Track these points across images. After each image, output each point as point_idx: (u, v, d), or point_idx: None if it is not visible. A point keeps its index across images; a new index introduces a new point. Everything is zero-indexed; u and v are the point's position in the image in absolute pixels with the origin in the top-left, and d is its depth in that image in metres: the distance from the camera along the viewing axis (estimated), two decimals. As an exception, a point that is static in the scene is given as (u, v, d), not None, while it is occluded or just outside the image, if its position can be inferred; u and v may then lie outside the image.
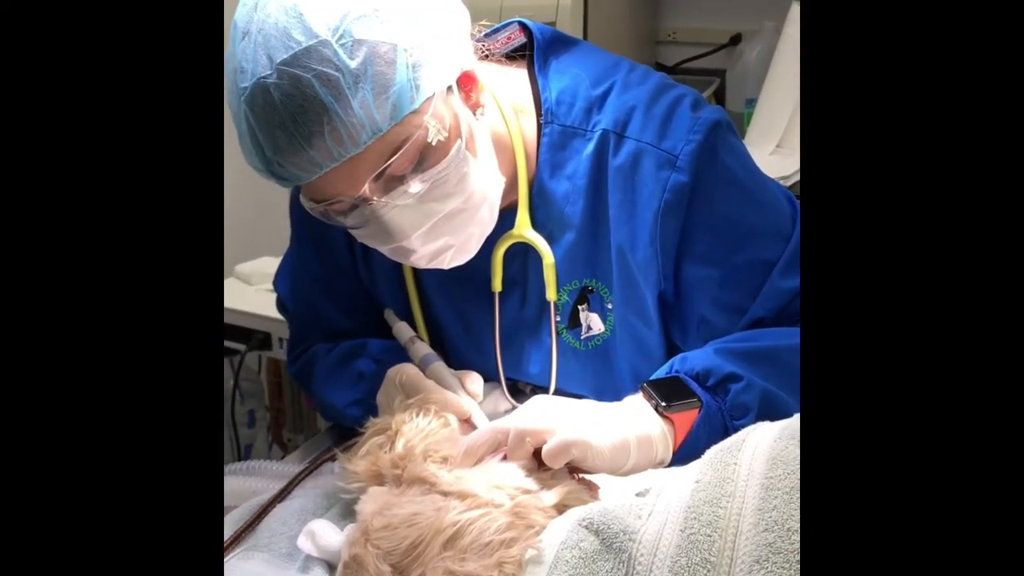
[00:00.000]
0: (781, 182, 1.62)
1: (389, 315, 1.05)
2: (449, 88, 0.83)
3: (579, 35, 1.77)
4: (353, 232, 0.89)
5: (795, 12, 1.75)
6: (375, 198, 0.82)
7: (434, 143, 0.81)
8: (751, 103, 1.84)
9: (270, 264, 1.39)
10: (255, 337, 1.67)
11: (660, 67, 2.13)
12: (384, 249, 0.90)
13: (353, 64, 0.75)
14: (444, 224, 0.87)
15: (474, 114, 0.87)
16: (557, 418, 0.79)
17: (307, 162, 0.79)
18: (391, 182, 0.82)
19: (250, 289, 1.75)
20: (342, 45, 0.75)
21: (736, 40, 2.02)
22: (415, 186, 0.82)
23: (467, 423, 0.89)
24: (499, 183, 0.91)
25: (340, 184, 0.82)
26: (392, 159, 0.80)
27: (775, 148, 1.77)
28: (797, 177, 1.65)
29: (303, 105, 0.76)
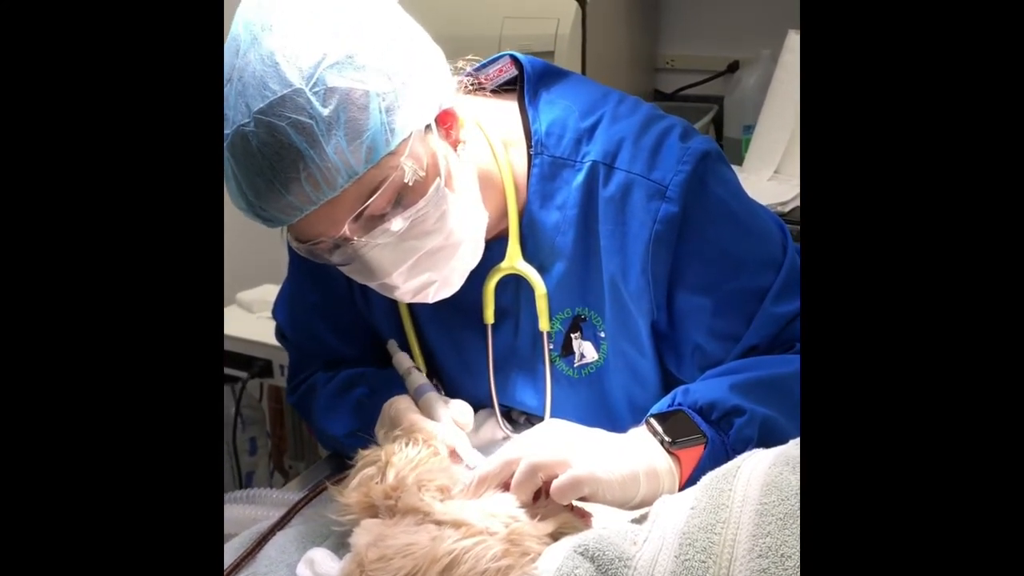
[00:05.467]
0: (779, 208, 1.63)
1: (392, 345, 1.06)
2: (427, 127, 0.84)
3: (578, 62, 1.79)
4: (340, 269, 0.91)
5: (792, 40, 1.77)
6: (356, 238, 0.84)
7: (411, 183, 0.82)
8: (749, 129, 1.86)
9: (271, 292, 1.40)
10: (256, 364, 1.68)
11: (658, 94, 2.15)
12: (370, 285, 0.91)
13: (326, 112, 0.77)
14: (425, 260, 0.88)
15: (455, 150, 0.88)
16: (568, 450, 0.79)
17: (287, 206, 0.81)
18: (371, 222, 0.84)
19: (251, 317, 1.75)
20: (315, 93, 0.77)
21: (734, 67, 2.04)
22: (395, 224, 0.84)
23: (453, 454, 0.89)
24: (482, 218, 0.93)
25: (320, 226, 0.83)
26: (370, 200, 0.81)
27: (773, 174, 1.78)
28: (795, 203, 1.65)
29: (279, 152, 0.78)
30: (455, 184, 0.88)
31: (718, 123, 2.01)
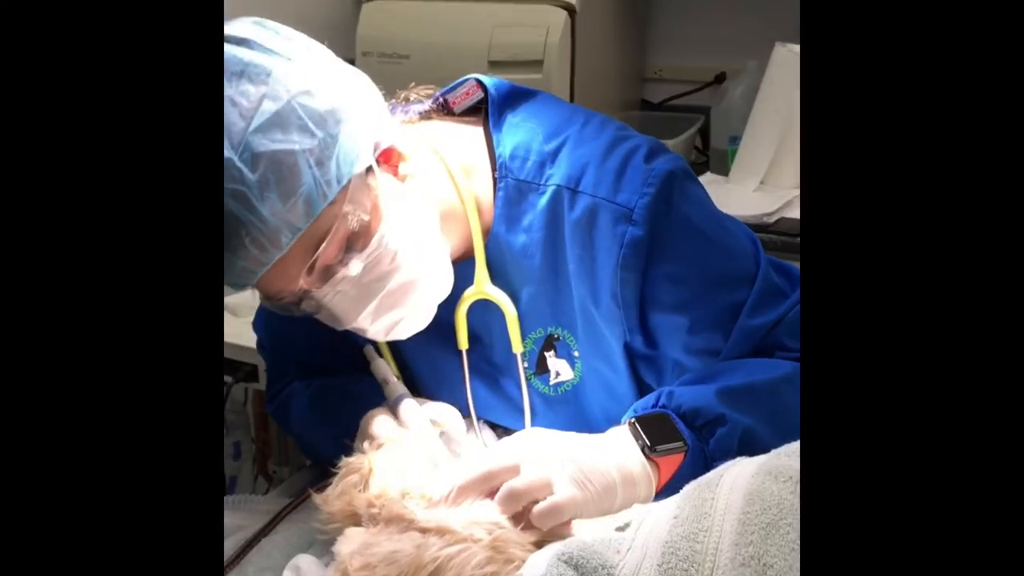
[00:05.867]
0: (764, 219, 1.65)
1: (369, 351, 1.06)
2: (368, 168, 0.84)
3: (567, 72, 1.79)
4: (316, 318, 0.91)
5: (778, 52, 1.78)
6: (315, 289, 0.85)
7: (357, 228, 0.83)
8: (735, 140, 1.87)
9: (257, 296, 1.40)
10: (242, 369, 1.67)
11: (646, 103, 2.16)
12: (342, 329, 0.92)
13: (255, 177, 0.77)
14: (388, 300, 0.89)
15: (403, 184, 0.88)
16: (548, 469, 0.79)
17: (242, 271, 0.82)
18: (326, 271, 0.85)
19: (237, 320, 1.74)
20: (244, 160, 0.77)
21: (721, 78, 2.05)
22: (352, 269, 0.85)
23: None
24: (443, 249, 0.93)
25: (278, 283, 0.84)
26: (319, 251, 0.82)
27: (759, 185, 1.80)
28: (781, 214, 1.67)
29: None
30: (407, 219, 0.88)
31: (705, 133, 2.02)
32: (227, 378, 1.66)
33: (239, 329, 1.71)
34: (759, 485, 0.70)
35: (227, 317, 1.76)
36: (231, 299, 1.78)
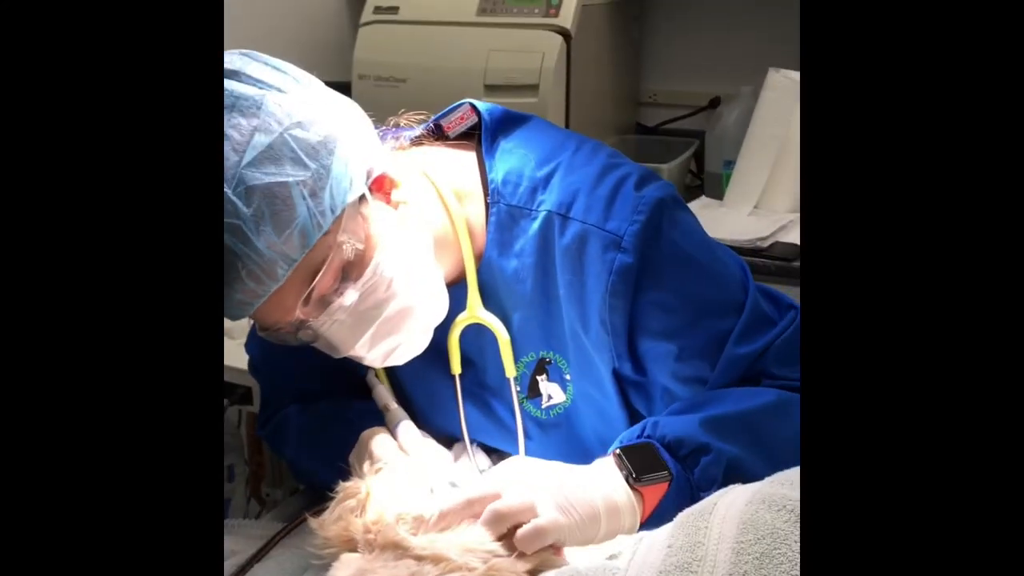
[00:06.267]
0: (759, 243, 1.65)
1: (370, 378, 1.07)
2: (362, 197, 0.85)
3: (562, 96, 1.80)
4: (314, 346, 0.92)
5: (772, 77, 1.80)
6: (311, 318, 0.86)
7: (353, 256, 0.84)
8: (729, 165, 1.88)
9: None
10: (236, 392, 1.67)
11: (640, 127, 2.17)
12: (339, 357, 0.92)
13: (250, 210, 0.78)
14: (385, 327, 0.89)
15: (396, 210, 0.89)
16: (532, 494, 0.80)
17: (238, 304, 0.83)
18: (322, 301, 0.85)
19: (232, 343, 1.74)
20: (238, 194, 0.77)
21: (715, 103, 2.07)
22: (347, 298, 0.85)
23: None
24: (437, 274, 0.93)
25: (275, 314, 0.85)
26: (315, 282, 0.83)
27: (753, 209, 1.81)
28: (775, 238, 1.67)
29: None
30: (401, 246, 0.89)
31: (699, 157, 2.03)
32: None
33: (234, 351, 1.71)
34: (753, 514, 0.70)
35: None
36: (226, 321, 1.78)
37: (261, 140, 0.78)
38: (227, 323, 1.77)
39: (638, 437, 0.89)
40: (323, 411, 1.09)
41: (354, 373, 1.08)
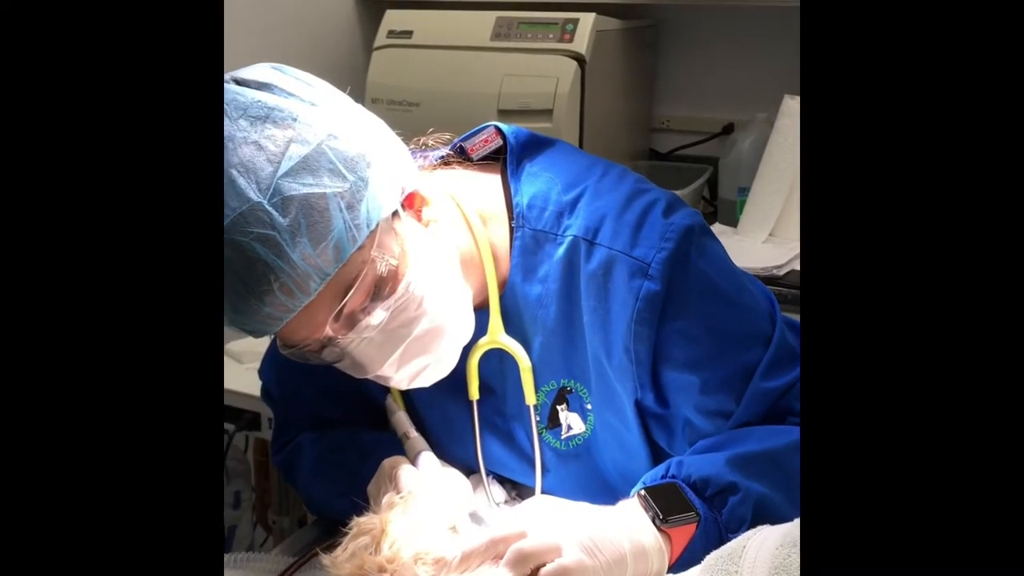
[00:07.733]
0: (774, 271, 1.63)
1: (389, 404, 1.05)
2: (394, 213, 0.84)
3: (576, 121, 1.80)
4: (336, 366, 0.90)
5: (787, 104, 1.79)
6: (340, 336, 0.84)
7: (385, 273, 0.82)
8: (744, 192, 1.87)
9: (261, 343, 1.39)
10: (244, 417, 1.65)
11: (654, 153, 2.16)
12: (365, 377, 0.90)
13: (287, 221, 0.77)
14: (414, 347, 0.88)
15: (427, 229, 0.88)
16: (556, 535, 0.78)
17: (267, 318, 0.81)
18: (352, 318, 0.84)
19: (240, 368, 1.73)
20: (273, 204, 0.76)
21: (729, 129, 2.06)
22: (377, 317, 0.84)
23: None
24: (466, 294, 0.92)
25: (303, 330, 0.83)
26: (347, 297, 0.81)
27: (768, 237, 1.79)
28: (790, 267, 1.66)
29: (249, 268, 0.77)
30: (432, 264, 0.87)
31: (713, 184, 2.02)
32: (229, 426, 1.64)
33: (242, 376, 1.69)
34: (784, 558, 0.68)
35: (230, 364, 1.74)
36: (234, 345, 1.77)
37: (297, 151, 0.77)
38: (235, 348, 1.76)
39: (662, 477, 0.87)
40: (338, 440, 1.07)
41: (370, 399, 1.06)
